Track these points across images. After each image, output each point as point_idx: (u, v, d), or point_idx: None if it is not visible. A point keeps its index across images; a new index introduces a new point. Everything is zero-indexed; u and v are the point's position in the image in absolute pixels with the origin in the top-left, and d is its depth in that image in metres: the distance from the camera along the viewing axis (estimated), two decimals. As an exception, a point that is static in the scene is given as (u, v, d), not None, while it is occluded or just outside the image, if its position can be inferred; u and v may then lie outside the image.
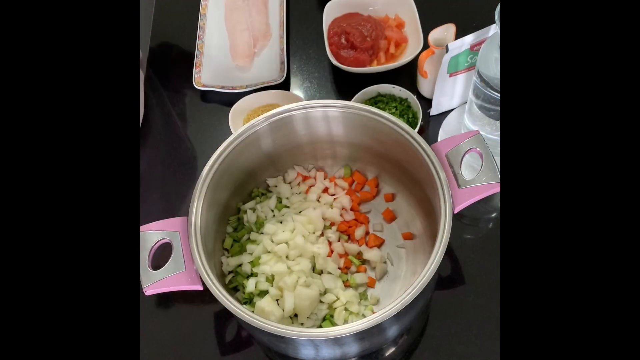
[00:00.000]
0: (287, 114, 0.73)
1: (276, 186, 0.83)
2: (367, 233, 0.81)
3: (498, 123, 0.78)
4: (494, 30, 0.79)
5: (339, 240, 0.79)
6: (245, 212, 0.80)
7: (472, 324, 0.75)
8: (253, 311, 0.70)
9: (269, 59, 1.04)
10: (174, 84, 1.04)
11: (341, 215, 0.81)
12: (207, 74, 1.02)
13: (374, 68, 0.96)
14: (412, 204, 0.80)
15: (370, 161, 0.82)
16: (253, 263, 0.75)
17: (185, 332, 0.79)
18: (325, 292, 0.73)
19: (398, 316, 0.59)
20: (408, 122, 0.89)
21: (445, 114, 0.93)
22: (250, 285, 0.73)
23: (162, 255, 0.65)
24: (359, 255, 0.78)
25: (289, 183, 0.84)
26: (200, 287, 0.63)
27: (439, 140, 0.90)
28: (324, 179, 0.84)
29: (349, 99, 0.91)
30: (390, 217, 0.81)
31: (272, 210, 0.81)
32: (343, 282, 0.75)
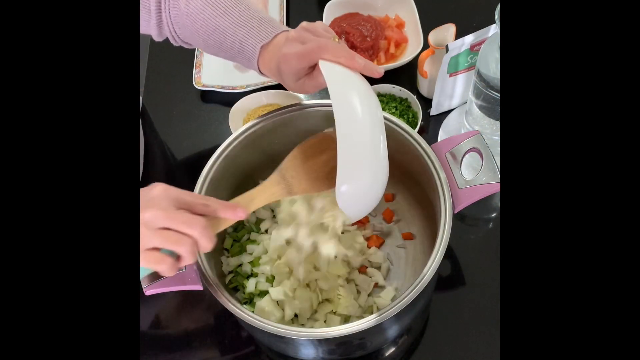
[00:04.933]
0: (287, 114, 0.73)
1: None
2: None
3: (498, 123, 0.78)
4: (494, 30, 0.79)
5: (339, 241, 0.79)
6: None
7: (472, 324, 0.75)
8: (253, 311, 0.70)
9: (269, 59, 1.04)
10: (174, 84, 1.04)
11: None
12: (207, 74, 1.02)
13: (374, 68, 0.96)
14: (412, 204, 0.80)
15: (370, 161, 0.82)
16: (253, 263, 0.75)
17: (186, 332, 0.79)
18: (325, 292, 0.73)
19: (398, 316, 0.59)
20: (408, 122, 0.89)
21: (445, 114, 0.93)
22: (250, 285, 0.73)
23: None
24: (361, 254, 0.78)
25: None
26: (200, 287, 0.63)
27: (439, 140, 0.90)
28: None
29: (349, 99, 0.91)
30: (390, 217, 0.81)
31: (272, 210, 0.81)
32: (345, 280, 0.75)
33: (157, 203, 0.52)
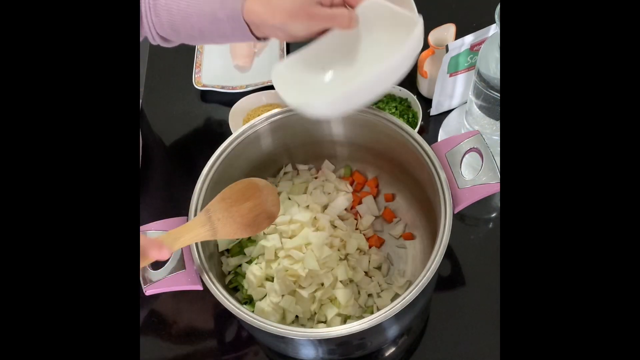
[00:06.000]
0: (287, 114, 0.73)
1: (277, 186, 0.83)
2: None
3: (498, 123, 0.78)
4: (494, 30, 0.79)
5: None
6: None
7: (472, 324, 0.75)
8: (253, 311, 0.70)
9: (269, 59, 1.04)
10: (174, 84, 1.04)
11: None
12: (207, 74, 1.02)
13: (374, 68, 0.96)
14: (412, 204, 0.80)
15: (370, 161, 0.82)
16: (250, 262, 0.75)
17: (186, 332, 0.79)
18: (325, 292, 0.73)
19: (398, 316, 0.59)
20: (408, 122, 0.89)
21: (445, 114, 0.93)
22: (253, 271, 0.72)
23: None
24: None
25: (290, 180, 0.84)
26: (200, 287, 0.63)
27: (439, 140, 0.90)
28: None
29: (349, 99, 0.91)
30: (390, 217, 0.81)
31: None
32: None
33: None
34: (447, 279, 0.79)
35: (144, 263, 0.57)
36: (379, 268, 0.77)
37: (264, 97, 0.96)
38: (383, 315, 0.58)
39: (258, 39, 0.67)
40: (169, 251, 0.57)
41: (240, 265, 0.76)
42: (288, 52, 1.04)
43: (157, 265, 0.63)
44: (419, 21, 0.59)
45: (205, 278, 0.62)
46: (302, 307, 0.70)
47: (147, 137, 0.98)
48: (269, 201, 0.67)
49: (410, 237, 0.79)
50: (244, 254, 0.76)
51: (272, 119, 0.73)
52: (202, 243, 0.65)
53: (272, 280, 0.72)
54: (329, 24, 0.63)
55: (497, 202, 0.85)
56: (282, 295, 0.70)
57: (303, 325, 0.71)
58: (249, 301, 0.74)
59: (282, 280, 0.71)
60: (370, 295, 0.74)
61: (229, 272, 0.76)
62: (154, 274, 0.62)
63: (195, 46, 1.04)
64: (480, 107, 0.78)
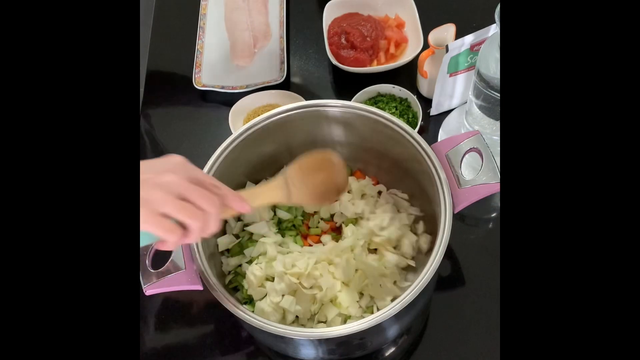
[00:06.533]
0: (287, 114, 0.73)
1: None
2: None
3: (498, 123, 0.78)
4: (494, 30, 0.79)
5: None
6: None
7: (472, 324, 0.75)
8: (253, 311, 0.69)
9: (269, 59, 1.04)
10: (174, 84, 1.04)
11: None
12: (207, 74, 1.02)
13: (374, 68, 0.96)
14: (412, 204, 0.80)
15: (370, 161, 0.82)
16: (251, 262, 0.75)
17: (185, 332, 0.79)
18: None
19: (398, 316, 0.59)
20: (408, 122, 0.89)
21: (445, 114, 0.93)
22: (254, 272, 0.73)
23: (162, 255, 0.65)
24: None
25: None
26: (200, 287, 0.63)
27: (439, 140, 0.90)
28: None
29: (349, 99, 0.91)
30: (390, 217, 0.81)
31: (273, 210, 0.81)
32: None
33: (178, 170, 0.51)
34: (447, 279, 0.79)
35: (225, 215, 0.55)
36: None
37: (264, 97, 0.96)
38: (383, 315, 0.58)
39: None
40: (249, 207, 0.57)
41: (240, 265, 0.76)
42: (288, 52, 1.04)
43: (157, 265, 0.63)
44: None
45: (205, 278, 0.62)
46: (302, 307, 0.70)
47: (147, 137, 0.98)
48: (340, 177, 0.68)
49: (410, 237, 0.79)
50: (244, 254, 0.76)
51: (272, 119, 0.73)
52: (202, 243, 0.65)
53: (273, 280, 0.72)
54: None
55: (497, 202, 0.85)
56: (283, 295, 0.70)
57: (303, 325, 0.71)
58: (249, 301, 0.74)
59: (284, 280, 0.71)
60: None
61: (229, 272, 0.76)
62: (153, 274, 0.62)
63: (195, 46, 1.04)
64: (480, 107, 0.78)
